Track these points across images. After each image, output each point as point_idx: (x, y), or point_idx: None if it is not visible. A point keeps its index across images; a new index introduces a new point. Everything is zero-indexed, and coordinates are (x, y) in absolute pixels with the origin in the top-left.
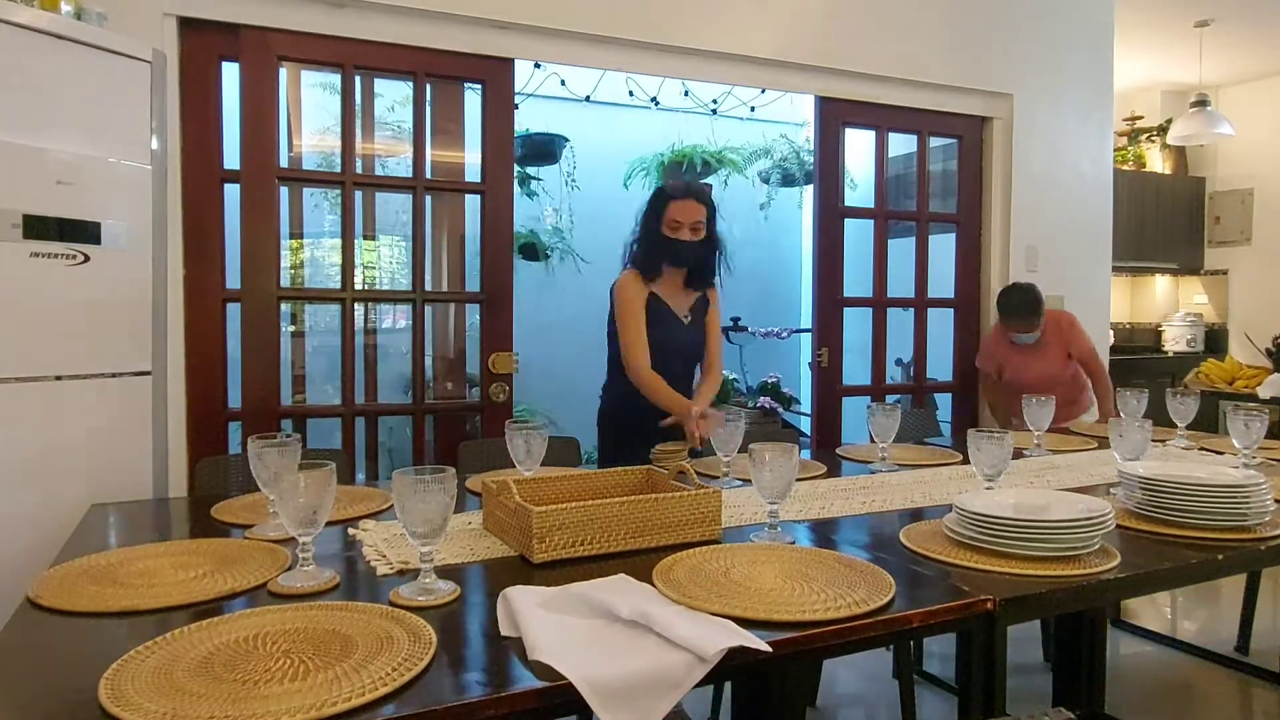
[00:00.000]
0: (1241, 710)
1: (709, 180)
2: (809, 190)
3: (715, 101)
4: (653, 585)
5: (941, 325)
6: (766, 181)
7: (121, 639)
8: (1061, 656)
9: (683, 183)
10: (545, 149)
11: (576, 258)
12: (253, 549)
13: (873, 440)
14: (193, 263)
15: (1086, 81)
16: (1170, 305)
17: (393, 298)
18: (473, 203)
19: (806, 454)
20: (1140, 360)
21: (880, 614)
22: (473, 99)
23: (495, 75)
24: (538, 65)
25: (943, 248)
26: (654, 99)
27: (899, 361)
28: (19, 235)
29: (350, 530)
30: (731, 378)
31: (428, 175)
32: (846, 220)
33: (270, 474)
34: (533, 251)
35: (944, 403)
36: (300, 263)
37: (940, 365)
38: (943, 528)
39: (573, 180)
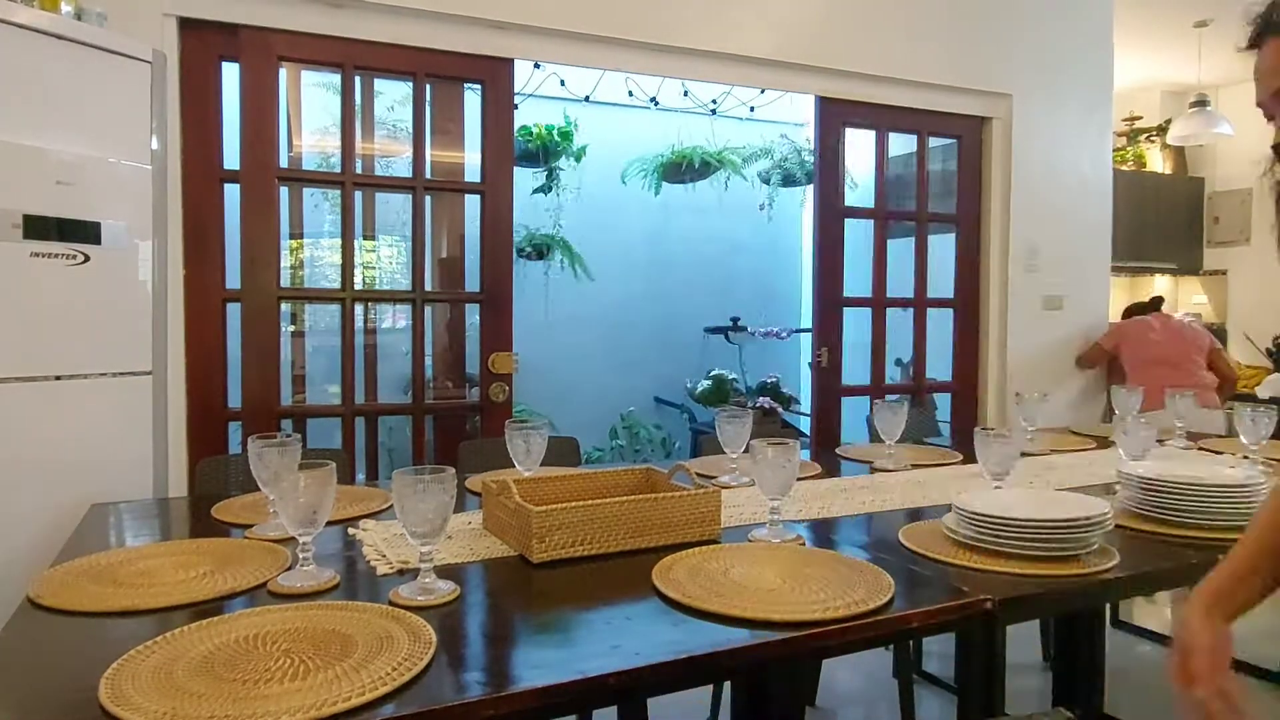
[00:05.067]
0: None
1: (707, 180)
2: (809, 190)
3: (715, 101)
4: (653, 585)
5: (941, 325)
6: (766, 182)
7: (121, 639)
8: (1061, 656)
9: None
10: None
11: (577, 256)
12: (253, 549)
13: (874, 439)
14: (193, 263)
15: (1086, 81)
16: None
17: (393, 298)
18: (473, 203)
19: (806, 454)
20: None
21: (880, 614)
22: (473, 99)
23: (495, 75)
24: (538, 65)
25: (942, 248)
26: (654, 99)
27: (899, 361)
28: (19, 235)
29: (350, 530)
30: (731, 378)
31: (428, 175)
32: (846, 220)
33: (270, 474)
34: (546, 251)
35: (944, 403)
36: (300, 263)
37: (940, 365)
38: (942, 528)
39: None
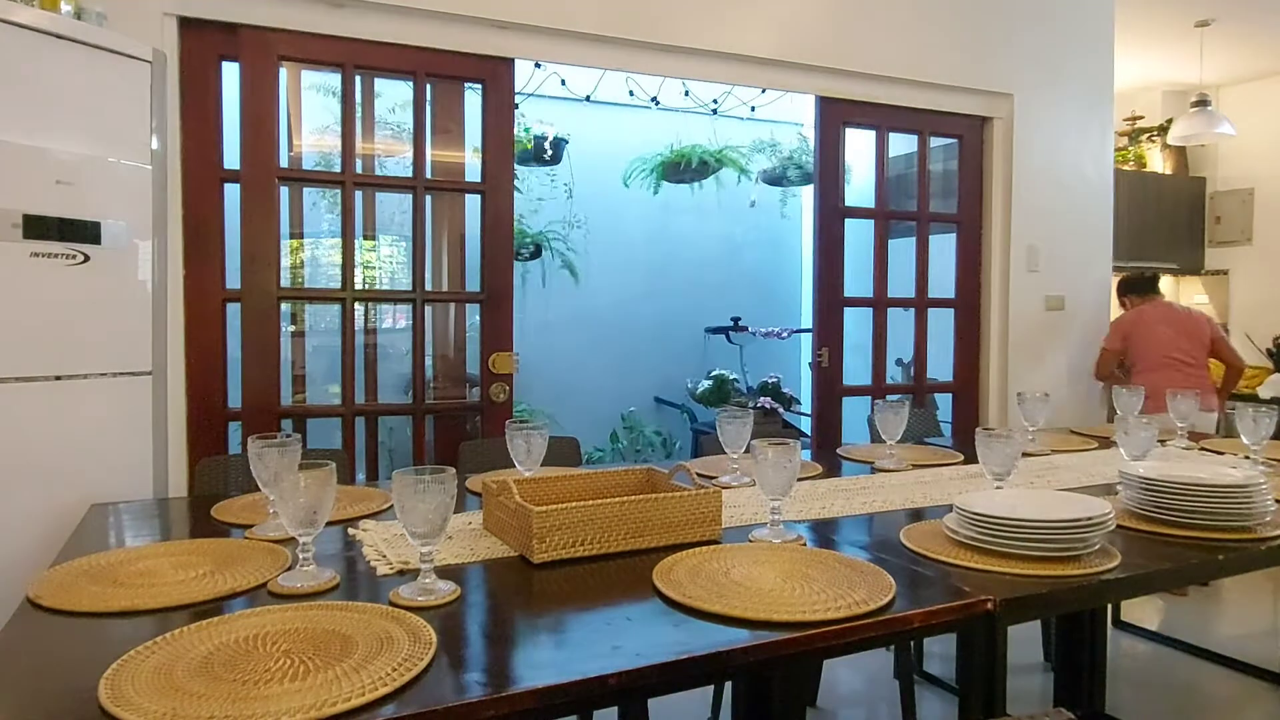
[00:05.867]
0: (1241, 710)
1: (709, 180)
2: (809, 190)
3: (715, 101)
4: (653, 585)
5: (942, 325)
6: (767, 182)
7: (121, 639)
8: (1061, 656)
9: None
10: (547, 149)
11: (577, 257)
12: (253, 549)
13: (875, 439)
14: (193, 263)
15: (1087, 81)
16: None
17: (393, 298)
18: (473, 203)
19: (807, 454)
20: None
21: (880, 614)
22: (473, 99)
23: (495, 75)
24: (538, 65)
25: (943, 248)
26: (654, 99)
27: (899, 361)
28: (19, 235)
29: (350, 530)
30: (732, 378)
31: (428, 175)
32: (846, 220)
33: (270, 474)
34: (540, 251)
35: (944, 403)
36: (300, 263)
37: (940, 365)
38: (943, 528)
39: (567, 183)
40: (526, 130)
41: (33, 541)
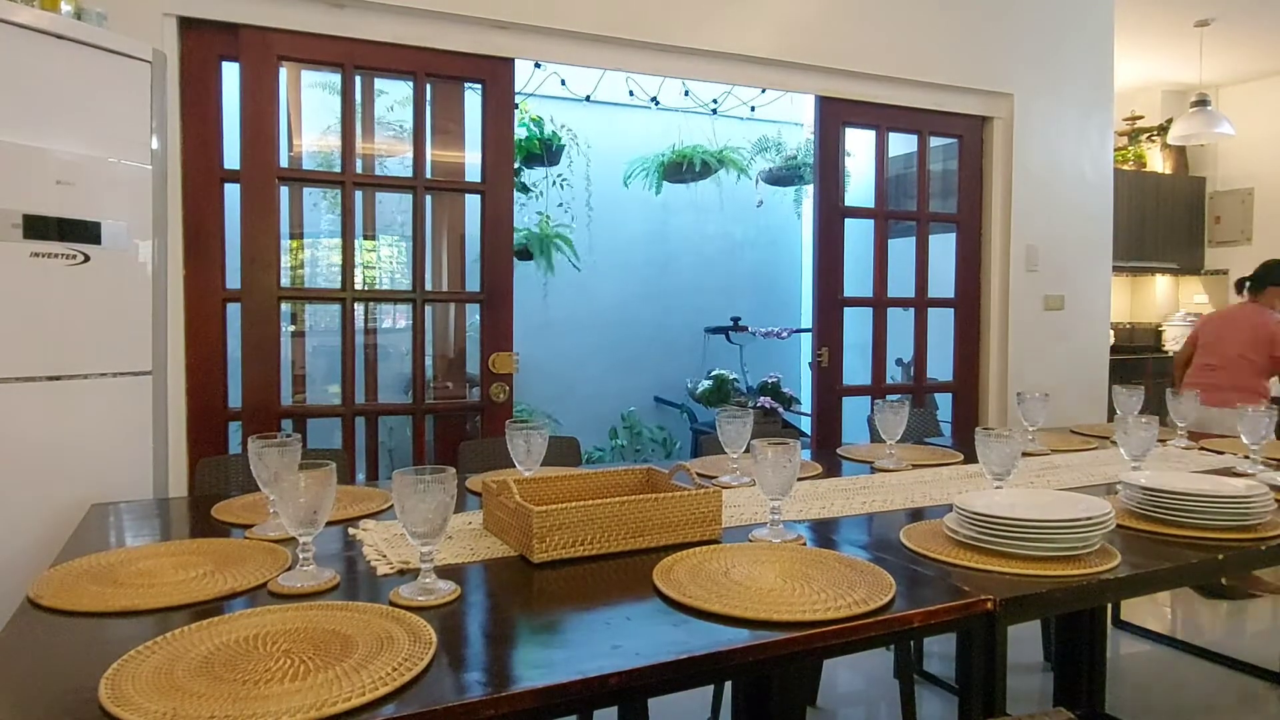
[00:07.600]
0: (1241, 710)
1: (708, 180)
2: (809, 190)
3: (715, 101)
4: (653, 585)
5: (941, 325)
6: (769, 182)
7: (121, 639)
8: (1061, 656)
9: None
10: (547, 150)
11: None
12: (253, 549)
13: (875, 439)
14: (193, 263)
15: (1087, 81)
16: (1170, 305)
17: (393, 298)
18: (473, 203)
19: (807, 454)
20: (1140, 360)
21: (880, 614)
22: (473, 99)
23: (495, 75)
24: (538, 65)
25: (943, 248)
26: (654, 99)
27: (899, 361)
28: (19, 235)
29: (350, 530)
30: (732, 378)
31: (428, 175)
32: (846, 220)
33: (270, 474)
34: (541, 250)
35: (944, 403)
36: (300, 263)
37: (940, 365)
38: (943, 528)
39: (566, 181)
40: (536, 124)
41: (33, 541)
